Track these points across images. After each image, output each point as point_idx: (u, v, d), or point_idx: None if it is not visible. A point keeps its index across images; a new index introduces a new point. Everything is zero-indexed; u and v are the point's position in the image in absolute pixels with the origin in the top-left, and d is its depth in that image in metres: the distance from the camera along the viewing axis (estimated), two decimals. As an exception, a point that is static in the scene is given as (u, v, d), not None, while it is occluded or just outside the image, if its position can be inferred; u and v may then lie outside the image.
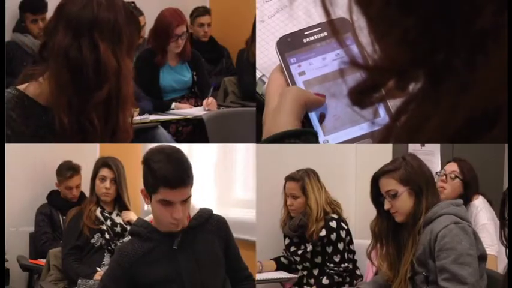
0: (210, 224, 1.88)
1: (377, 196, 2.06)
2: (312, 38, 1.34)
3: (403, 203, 1.98)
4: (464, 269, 1.81)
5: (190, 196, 1.74)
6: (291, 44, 1.34)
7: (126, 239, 2.72)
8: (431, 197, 1.98)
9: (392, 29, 0.64)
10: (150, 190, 1.74)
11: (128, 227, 3.01)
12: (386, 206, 2.00)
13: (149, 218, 1.91)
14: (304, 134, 1.19)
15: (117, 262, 1.80)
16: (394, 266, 2.02)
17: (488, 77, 0.60)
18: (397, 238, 2.03)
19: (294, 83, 1.30)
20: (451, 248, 1.84)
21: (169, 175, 1.69)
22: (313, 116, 1.27)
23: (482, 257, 1.91)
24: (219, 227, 1.89)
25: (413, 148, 3.23)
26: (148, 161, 1.75)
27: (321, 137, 1.25)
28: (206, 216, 1.88)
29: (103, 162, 3.09)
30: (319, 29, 1.33)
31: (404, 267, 1.95)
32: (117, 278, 1.78)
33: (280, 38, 1.36)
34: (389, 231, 2.05)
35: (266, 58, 1.60)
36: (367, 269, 3.00)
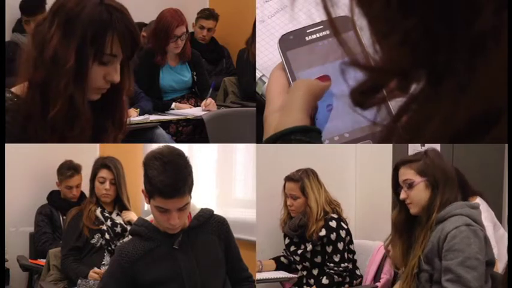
0: (210, 224, 1.88)
1: (397, 186, 2.08)
2: (314, 36, 1.34)
3: (418, 193, 2.00)
4: (469, 272, 1.81)
5: (187, 203, 1.73)
6: (293, 42, 1.34)
7: (127, 239, 2.72)
8: (449, 193, 1.98)
9: (393, 30, 0.65)
10: (148, 193, 1.74)
11: (128, 227, 3.01)
12: (402, 196, 2.02)
13: (150, 217, 1.91)
14: (311, 131, 1.18)
15: (117, 262, 1.79)
16: (405, 259, 2.04)
17: (488, 78, 0.60)
18: (412, 232, 2.04)
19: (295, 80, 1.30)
20: (460, 249, 1.83)
21: (163, 186, 1.66)
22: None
23: (491, 263, 1.91)
24: (219, 228, 1.89)
25: (413, 148, 3.23)
26: (145, 166, 1.72)
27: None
28: (207, 217, 1.88)
29: (102, 163, 3.07)
30: (321, 27, 1.33)
31: (412, 261, 1.97)
32: (118, 277, 1.78)
33: (282, 35, 1.36)
34: (406, 223, 2.06)
35: (266, 58, 1.60)
36: (367, 269, 3.00)
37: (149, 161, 1.72)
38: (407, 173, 2.02)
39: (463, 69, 0.61)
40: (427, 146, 3.31)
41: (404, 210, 2.06)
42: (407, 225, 2.05)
